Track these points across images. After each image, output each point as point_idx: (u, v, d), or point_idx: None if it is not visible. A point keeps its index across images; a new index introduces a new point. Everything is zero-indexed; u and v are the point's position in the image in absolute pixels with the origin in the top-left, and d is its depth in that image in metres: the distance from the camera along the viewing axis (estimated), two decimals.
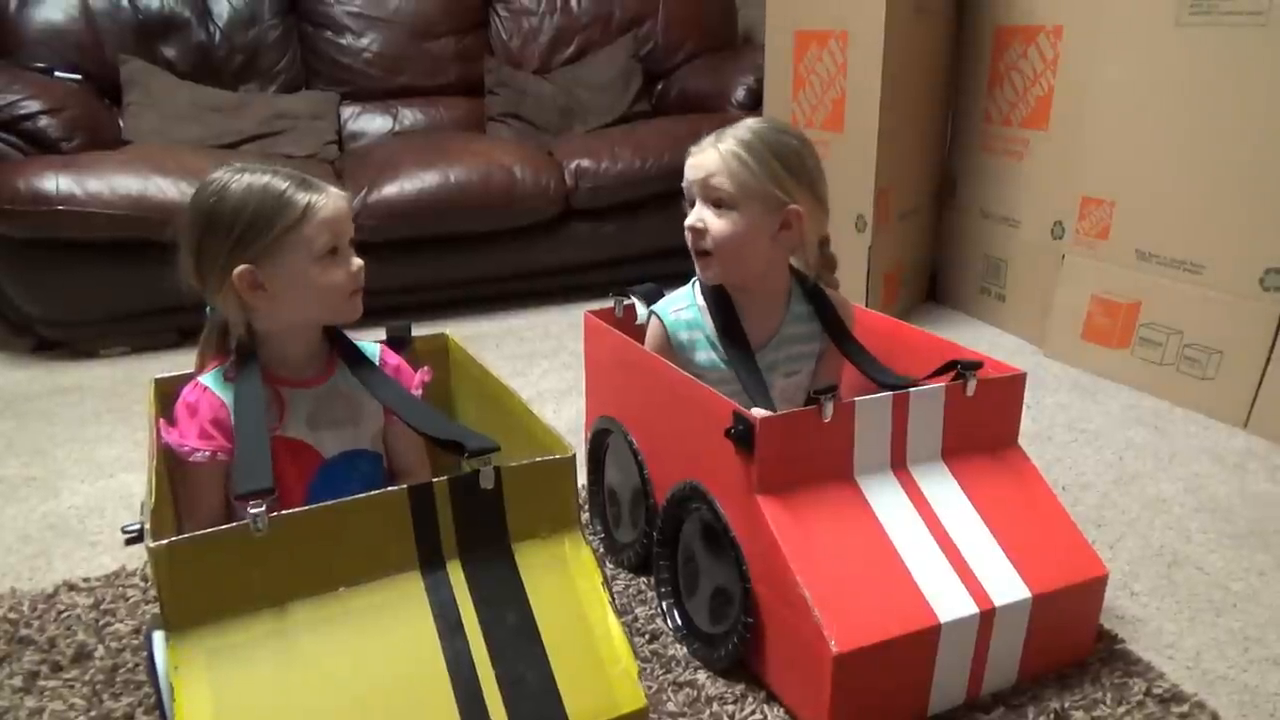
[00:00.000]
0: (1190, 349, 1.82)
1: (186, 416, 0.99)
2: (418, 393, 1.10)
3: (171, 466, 1.01)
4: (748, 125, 1.16)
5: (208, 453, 0.97)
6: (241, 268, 0.95)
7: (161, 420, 1.00)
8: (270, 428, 0.99)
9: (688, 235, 1.17)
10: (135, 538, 0.90)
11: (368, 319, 1.07)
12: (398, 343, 1.20)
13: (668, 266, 2.67)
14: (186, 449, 0.97)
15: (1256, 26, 1.62)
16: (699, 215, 1.16)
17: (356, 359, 1.07)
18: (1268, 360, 1.69)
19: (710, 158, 1.15)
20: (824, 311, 1.24)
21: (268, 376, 1.01)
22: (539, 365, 2.13)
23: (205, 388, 1.00)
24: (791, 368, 1.25)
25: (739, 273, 1.19)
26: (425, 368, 1.15)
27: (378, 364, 1.09)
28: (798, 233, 1.16)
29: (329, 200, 0.98)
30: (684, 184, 1.19)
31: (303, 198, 0.96)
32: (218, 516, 0.99)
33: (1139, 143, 1.86)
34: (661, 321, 1.23)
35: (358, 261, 1.02)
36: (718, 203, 1.15)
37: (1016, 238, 2.28)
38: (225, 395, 0.99)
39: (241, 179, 0.96)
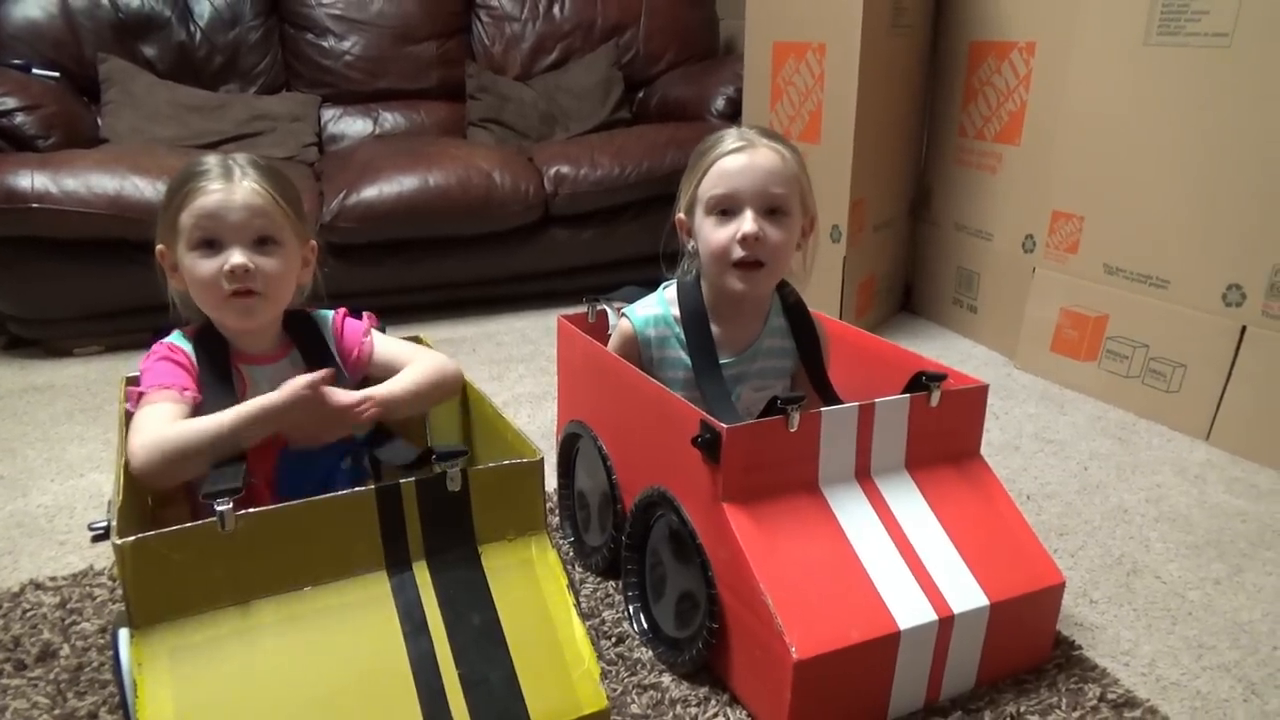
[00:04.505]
0: (1155, 362, 1.85)
1: (165, 364, 0.97)
2: (366, 340, 1.09)
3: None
4: (759, 128, 1.10)
5: (188, 392, 0.96)
6: (158, 246, 0.97)
7: (130, 388, 0.98)
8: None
9: (738, 245, 1.07)
10: (101, 535, 0.90)
11: None
12: None
13: (646, 273, 2.67)
14: (168, 384, 0.95)
15: (1221, 49, 1.66)
16: (758, 224, 1.06)
17: (307, 338, 1.05)
18: (1229, 374, 1.72)
19: (767, 159, 1.06)
20: (802, 332, 1.20)
21: (233, 354, 1.02)
22: (515, 370, 2.14)
23: (174, 345, 1.00)
24: (762, 383, 1.21)
25: (773, 283, 1.14)
26: (368, 314, 1.13)
27: (332, 334, 1.08)
28: (808, 240, 1.12)
29: (220, 190, 0.94)
30: (721, 190, 1.08)
31: (194, 183, 0.94)
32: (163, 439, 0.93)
33: (1108, 159, 1.90)
34: (631, 322, 1.21)
35: (236, 259, 0.94)
36: (774, 210, 1.08)
37: (989, 250, 2.31)
38: (191, 351, 0.99)
39: (194, 156, 0.98)
